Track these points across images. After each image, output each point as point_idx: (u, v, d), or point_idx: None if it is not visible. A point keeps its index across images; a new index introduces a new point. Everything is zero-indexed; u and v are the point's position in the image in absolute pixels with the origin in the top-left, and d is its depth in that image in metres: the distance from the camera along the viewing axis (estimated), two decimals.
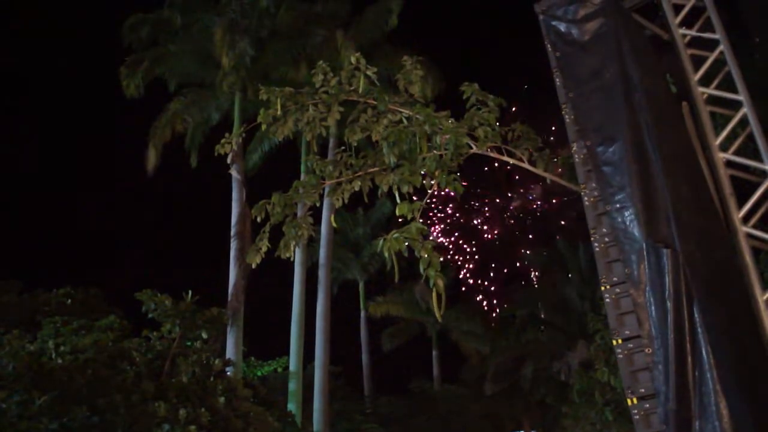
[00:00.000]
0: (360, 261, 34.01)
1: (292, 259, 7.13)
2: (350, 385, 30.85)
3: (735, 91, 5.36)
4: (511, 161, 6.73)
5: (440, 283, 4.74)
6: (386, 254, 4.90)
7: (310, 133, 7.33)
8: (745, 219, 4.89)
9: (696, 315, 4.22)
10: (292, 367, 21.19)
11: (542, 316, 28.68)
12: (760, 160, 5.05)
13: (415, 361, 36.84)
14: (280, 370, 24.50)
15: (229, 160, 20.74)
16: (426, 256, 4.84)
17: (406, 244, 5.13)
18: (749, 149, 5.37)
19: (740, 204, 4.99)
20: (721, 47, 5.53)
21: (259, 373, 24.06)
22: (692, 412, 4.06)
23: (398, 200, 5.68)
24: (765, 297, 4.55)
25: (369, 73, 7.15)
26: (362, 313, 34.08)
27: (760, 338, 4.47)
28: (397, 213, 5.47)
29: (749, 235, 4.82)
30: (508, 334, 29.79)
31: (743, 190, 5.16)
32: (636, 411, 4.37)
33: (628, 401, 4.43)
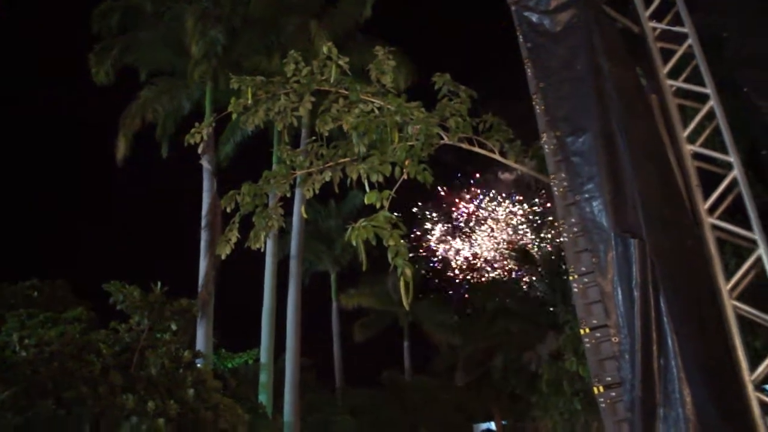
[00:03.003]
0: (332, 253, 34.01)
1: (262, 249, 7.07)
2: (321, 377, 30.90)
3: (703, 84, 5.42)
4: (482, 152, 6.74)
5: (408, 272, 4.73)
6: (354, 243, 4.88)
7: (281, 122, 7.27)
8: (711, 210, 4.96)
9: (662, 304, 4.27)
10: (263, 358, 21.14)
11: (513, 307, 28.91)
12: (726, 153, 5.11)
13: (386, 352, 37.06)
14: (251, 361, 24.39)
15: (200, 151, 20.53)
16: (394, 244, 4.83)
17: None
18: (716, 142, 5.43)
19: (706, 195, 5.04)
20: (690, 41, 5.58)
21: (229, 365, 23.94)
22: (657, 399, 4.12)
23: (368, 190, 5.66)
24: (728, 287, 4.62)
25: (341, 62, 7.10)
26: (334, 305, 34.10)
27: (723, 327, 4.53)
28: (366, 201, 5.44)
29: (714, 226, 4.88)
30: (479, 326, 30.01)
31: (710, 182, 5.22)
32: (603, 399, 4.41)
33: (595, 390, 4.47)
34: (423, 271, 38.50)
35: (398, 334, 35.57)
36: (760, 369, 4.39)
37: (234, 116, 7.24)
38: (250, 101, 7.08)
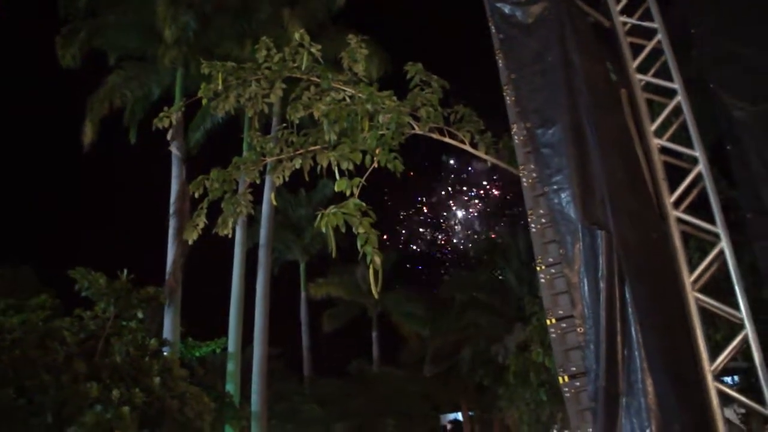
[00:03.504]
0: (301, 242, 33.91)
1: (230, 236, 7.02)
2: (289, 367, 30.86)
3: (671, 79, 5.50)
4: (453, 143, 6.75)
5: (377, 259, 4.73)
6: (324, 229, 4.86)
7: (252, 109, 7.21)
8: (676, 204, 5.04)
9: (627, 296, 4.33)
10: (230, 348, 21.01)
11: (482, 299, 29.12)
12: (692, 148, 5.19)
13: (354, 342, 37.09)
14: (218, 350, 24.23)
15: (169, 137, 20.29)
16: (363, 232, 4.83)
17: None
18: (683, 138, 5.52)
19: (672, 190, 5.12)
20: (659, 36, 5.66)
21: (197, 354, 23.74)
22: (620, 389, 4.18)
23: (338, 178, 5.64)
24: (691, 279, 4.70)
25: (313, 50, 7.06)
26: (303, 295, 34.00)
27: (685, 319, 4.62)
28: (336, 189, 5.42)
29: (679, 220, 4.97)
30: (448, 318, 30.17)
31: (675, 177, 5.30)
32: (567, 389, 4.47)
33: (560, 379, 4.53)
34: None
35: (367, 324, 35.66)
36: (719, 360, 4.48)
37: (204, 102, 7.15)
38: (220, 87, 7.01)
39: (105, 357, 11.98)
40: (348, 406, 26.46)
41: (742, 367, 9.24)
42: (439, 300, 32.11)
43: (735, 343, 4.53)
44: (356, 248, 4.93)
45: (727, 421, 4.40)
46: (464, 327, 28.25)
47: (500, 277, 29.71)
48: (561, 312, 4.62)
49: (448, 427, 39.19)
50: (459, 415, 36.48)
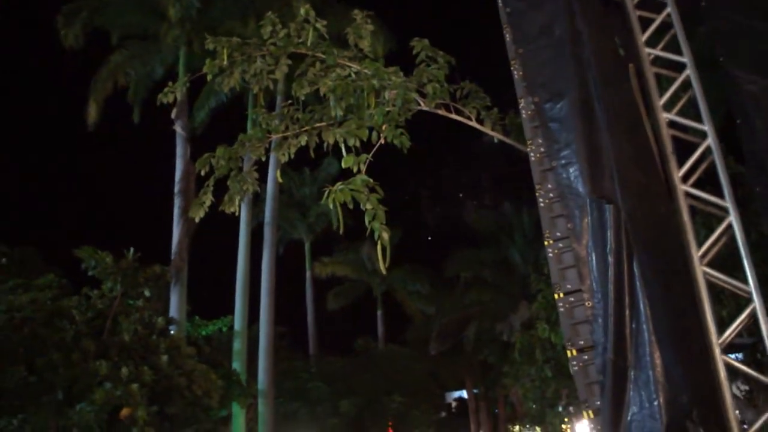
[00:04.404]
0: (306, 221, 33.91)
1: (236, 214, 7.02)
2: (295, 345, 31.01)
3: (680, 53, 5.45)
4: (459, 119, 6.73)
5: (385, 235, 4.73)
6: (330, 206, 4.86)
7: (257, 85, 7.18)
8: (684, 178, 5.01)
9: (635, 269, 4.33)
10: (236, 326, 21.12)
11: (487, 277, 29.15)
12: (701, 122, 5.15)
13: (360, 321, 37.27)
14: (224, 329, 24.37)
15: (173, 116, 20.22)
16: (371, 208, 4.82)
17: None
18: (691, 114, 5.47)
19: (680, 164, 5.09)
20: (668, 9, 5.59)
21: (203, 333, 23.89)
22: (628, 362, 4.20)
23: (344, 154, 5.63)
24: (699, 253, 4.69)
25: (318, 26, 7.01)
26: (308, 273, 34.07)
27: (693, 293, 4.61)
28: (343, 165, 5.41)
29: (687, 194, 4.94)
30: (453, 296, 30.23)
31: (683, 153, 5.26)
32: (575, 362, 4.48)
33: (568, 353, 4.54)
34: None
35: (372, 303, 35.80)
36: (727, 333, 4.49)
37: (209, 77, 7.12)
38: (225, 62, 6.98)
39: (113, 335, 12.09)
40: (354, 384, 26.64)
41: (746, 343, 9.25)
42: (444, 278, 32.17)
43: (743, 316, 4.52)
44: (362, 227, 4.94)
45: (734, 396, 4.42)
46: (469, 305, 28.34)
47: (505, 255, 29.74)
48: (569, 286, 4.62)
49: (453, 404, 39.50)
50: (464, 393, 36.71)
